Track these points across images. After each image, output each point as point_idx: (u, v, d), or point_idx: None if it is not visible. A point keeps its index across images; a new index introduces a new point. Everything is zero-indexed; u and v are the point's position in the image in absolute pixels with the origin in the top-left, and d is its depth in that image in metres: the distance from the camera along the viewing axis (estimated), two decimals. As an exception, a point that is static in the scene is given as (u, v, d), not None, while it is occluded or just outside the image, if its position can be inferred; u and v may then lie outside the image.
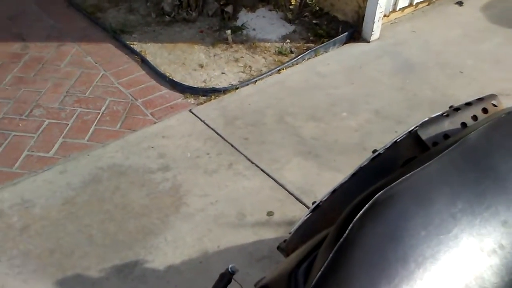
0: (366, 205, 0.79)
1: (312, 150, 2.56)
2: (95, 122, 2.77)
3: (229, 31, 3.46)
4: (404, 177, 0.83)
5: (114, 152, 2.56)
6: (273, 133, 2.68)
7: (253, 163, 2.48)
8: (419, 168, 0.84)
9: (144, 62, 3.27)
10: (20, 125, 2.75)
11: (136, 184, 2.37)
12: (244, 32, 3.57)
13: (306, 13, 3.71)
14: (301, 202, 2.26)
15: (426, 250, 0.75)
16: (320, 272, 0.74)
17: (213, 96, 2.97)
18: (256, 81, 3.09)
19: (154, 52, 3.38)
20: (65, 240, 2.11)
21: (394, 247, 0.74)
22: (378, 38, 3.51)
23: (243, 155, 2.53)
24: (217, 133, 2.68)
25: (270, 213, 2.21)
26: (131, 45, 3.42)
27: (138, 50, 3.36)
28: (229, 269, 1.18)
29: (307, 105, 2.88)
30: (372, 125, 2.73)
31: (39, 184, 2.38)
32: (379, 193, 0.81)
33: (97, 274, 1.98)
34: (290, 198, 2.29)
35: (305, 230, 1.13)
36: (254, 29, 3.60)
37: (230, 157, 2.52)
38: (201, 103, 2.93)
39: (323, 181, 2.36)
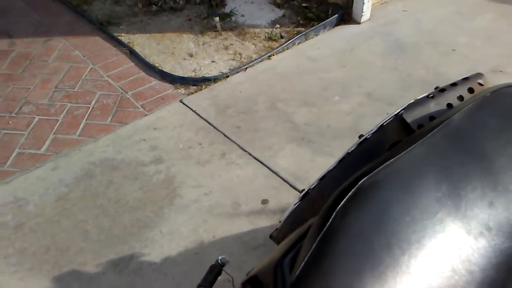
0: (350, 193, 0.78)
1: (305, 136, 2.54)
2: (86, 117, 2.75)
3: (217, 18, 3.41)
4: (388, 162, 0.81)
5: (106, 146, 2.54)
6: (265, 120, 2.66)
7: (246, 151, 2.46)
8: (403, 152, 0.83)
9: (132, 54, 3.23)
10: (10, 122, 2.73)
11: (129, 178, 2.35)
12: (233, 18, 3.52)
13: (295, -3, 3.66)
14: (295, 189, 2.25)
15: (411, 235, 0.73)
16: (303, 262, 0.73)
17: (203, 86, 2.93)
18: (246, 68, 3.05)
19: (142, 43, 3.34)
20: (60, 237, 2.10)
21: (378, 235, 0.73)
22: (369, 19, 3.46)
23: (236, 144, 2.51)
24: (208, 122, 2.65)
25: (264, 201, 2.20)
26: (119, 37, 3.37)
27: (126, 42, 3.32)
28: (219, 261, 1.17)
29: (298, 91, 2.86)
30: (365, 108, 2.71)
31: (32, 181, 2.37)
32: (363, 180, 0.79)
33: (94, 270, 1.97)
34: (284, 185, 2.28)
35: (294, 219, 1.12)
36: (242, 15, 3.55)
37: (223, 147, 2.50)
38: (192, 93, 2.90)
39: (317, 167, 2.34)
